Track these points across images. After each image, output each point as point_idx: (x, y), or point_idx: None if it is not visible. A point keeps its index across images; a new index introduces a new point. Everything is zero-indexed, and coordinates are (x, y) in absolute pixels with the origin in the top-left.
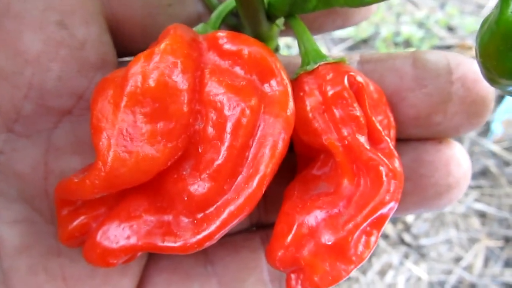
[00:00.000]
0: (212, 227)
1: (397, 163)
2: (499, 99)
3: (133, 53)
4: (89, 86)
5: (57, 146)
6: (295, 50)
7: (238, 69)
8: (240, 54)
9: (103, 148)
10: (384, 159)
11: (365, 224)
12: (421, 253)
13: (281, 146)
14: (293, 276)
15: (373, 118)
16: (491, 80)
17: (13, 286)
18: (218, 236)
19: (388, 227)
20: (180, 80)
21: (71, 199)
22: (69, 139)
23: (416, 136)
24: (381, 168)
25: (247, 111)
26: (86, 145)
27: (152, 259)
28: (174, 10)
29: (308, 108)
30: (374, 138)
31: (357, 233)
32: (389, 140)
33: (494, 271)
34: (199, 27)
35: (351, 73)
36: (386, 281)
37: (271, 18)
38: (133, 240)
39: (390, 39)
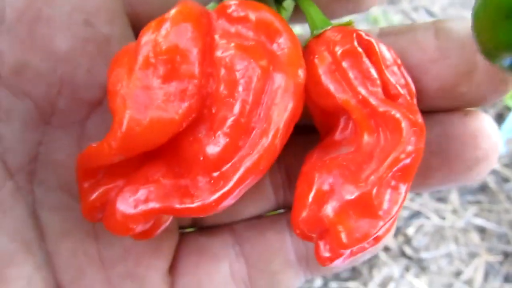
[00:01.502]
0: (230, 185)
1: (417, 114)
2: (501, 118)
3: None
4: None
5: (89, 135)
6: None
7: (246, 31)
8: (248, 18)
9: (118, 110)
10: (401, 109)
11: (388, 176)
12: (422, 266)
13: (292, 101)
14: (321, 243)
15: (387, 73)
16: (487, 54)
17: (58, 268)
18: (235, 194)
19: (389, 240)
20: (190, 42)
21: (91, 168)
22: (100, 128)
23: (441, 108)
24: (399, 117)
25: (257, 68)
26: None
27: (183, 241)
28: None
29: (319, 69)
30: (390, 94)
31: (382, 186)
32: (406, 94)
33: (494, 286)
34: (210, 5)
35: (359, 32)
36: None
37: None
38: (151, 204)
39: None
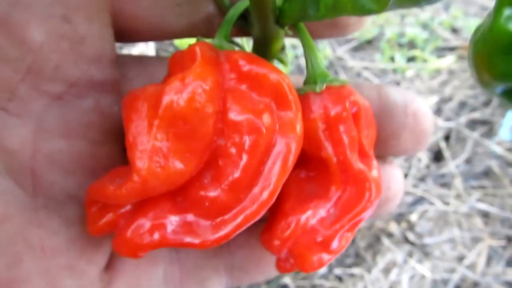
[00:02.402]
0: (229, 229)
1: (378, 176)
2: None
3: (137, 41)
4: (81, 76)
5: (46, 128)
6: (300, 50)
7: (255, 93)
8: (259, 78)
9: (139, 163)
10: (370, 173)
11: (349, 225)
12: (425, 252)
13: (290, 162)
14: (282, 257)
15: (362, 139)
16: (483, 84)
17: None
18: (233, 236)
19: (392, 226)
20: (208, 104)
21: (103, 201)
22: (57, 122)
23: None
24: (366, 182)
25: (265, 132)
26: (72, 129)
27: None
28: (182, 9)
29: (313, 125)
30: (361, 153)
31: (341, 232)
32: (372, 156)
33: (496, 270)
34: (215, 40)
35: (352, 97)
36: (390, 279)
37: (280, 24)
38: (160, 237)
39: (395, 40)
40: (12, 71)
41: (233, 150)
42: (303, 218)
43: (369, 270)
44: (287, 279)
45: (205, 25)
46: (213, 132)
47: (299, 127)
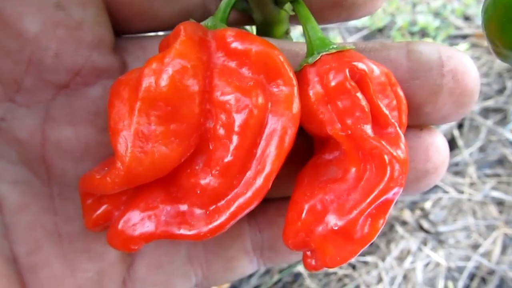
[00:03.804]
0: (223, 218)
1: (401, 149)
2: None
3: (132, 32)
4: (85, 63)
5: (53, 117)
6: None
7: (245, 70)
8: (248, 54)
9: (121, 149)
10: (387, 146)
11: (370, 209)
12: (439, 240)
13: (286, 143)
14: (308, 253)
15: (379, 103)
16: (498, 54)
17: (14, 240)
18: (228, 226)
19: (406, 214)
20: (190, 83)
21: (92, 192)
22: (65, 110)
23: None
24: (384, 155)
25: (255, 111)
26: (80, 117)
27: None
28: None
29: (312, 100)
30: (380, 123)
31: (363, 217)
32: (396, 124)
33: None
34: (208, 21)
35: (353, 63)
36: (404, 267)
37: (278, 3)
38: (152, 228)
39: (406, 28)
40: (14, 63)
41: (222, 132)
42: (314, 204)
43: (383, 258)
44: (300, 267)
45: (200, 11)
46: (200, 113)
47: (295, 104)
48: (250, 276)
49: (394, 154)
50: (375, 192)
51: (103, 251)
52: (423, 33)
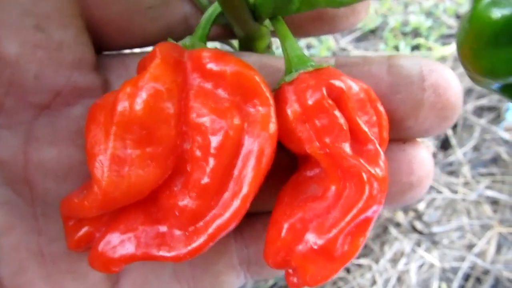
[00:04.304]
0: (201, 240)
1: (380, 167)
2: None
3: (114, 49)
4: (65, 84)
5: (36, 137)
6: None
7: (221, 91)
8: (223, 75)
9: (98, 173)
10: (365, 164)
11: (349, 227)
12: (433, 241)
13: (264, 163)
14: (290, 271)
15: (358, 120)
16: (472, 78)
17: None
18: (207, 247)
19: (399, 216)
20: (165, 106)
21: (72, 215)
22: (47, 131)
23: None
24: (363, 174)
25: (231, 133)
26: (62, 137)
27: None
28: (154, 12)
29: (290, 118)
30: (360, 140)
31: (342, 235)
32: (376, 141)
33: (507, 258)
34: (186, 40)
35: (331, 80)
36: (398, 269)
37: (257, 19)
38: (132, 250)
39: (398, 29)
40: None
41: (198, 154)
42: (294, 222)
43: (376, 261)
44: None
45: (182, 27)
46: (177, 135)
47: (272, 124)
48: None
49: (373, 172)
50: (354, 211)
51: (87, 271)
52: (416, 33)
